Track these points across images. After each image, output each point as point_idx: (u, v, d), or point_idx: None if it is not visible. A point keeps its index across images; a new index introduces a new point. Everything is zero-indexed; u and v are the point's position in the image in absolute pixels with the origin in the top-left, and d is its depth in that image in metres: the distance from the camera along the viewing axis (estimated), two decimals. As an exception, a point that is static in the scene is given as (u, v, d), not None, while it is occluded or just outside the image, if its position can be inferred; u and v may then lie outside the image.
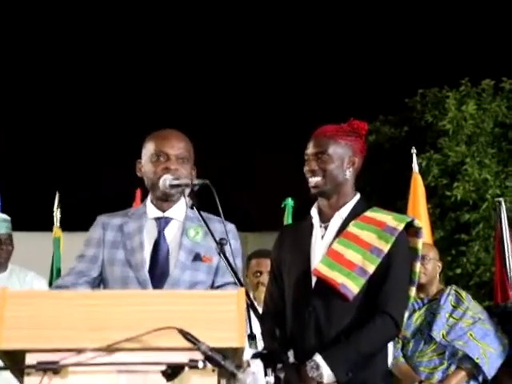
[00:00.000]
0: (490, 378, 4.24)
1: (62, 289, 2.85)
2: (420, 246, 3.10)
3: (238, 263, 2.82)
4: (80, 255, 3.00)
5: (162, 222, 2.98)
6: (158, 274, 2.87)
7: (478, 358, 4.16)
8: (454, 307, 4.35)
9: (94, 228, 3.02)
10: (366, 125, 3.12)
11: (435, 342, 4.27)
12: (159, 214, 2.99)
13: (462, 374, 4.22)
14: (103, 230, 2.98)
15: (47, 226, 6.71)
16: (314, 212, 3.13)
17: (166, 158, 2.93)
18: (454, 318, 4.30)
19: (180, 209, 3.02)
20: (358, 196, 3.13)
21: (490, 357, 4.20)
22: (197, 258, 2.90)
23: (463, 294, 4.45)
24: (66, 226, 6.28)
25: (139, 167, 3.05)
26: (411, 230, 3.08)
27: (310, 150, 3.06)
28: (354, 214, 3.06)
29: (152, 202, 3.03)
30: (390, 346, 3.61)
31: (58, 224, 6.30)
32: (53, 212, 6.33)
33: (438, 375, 4.24)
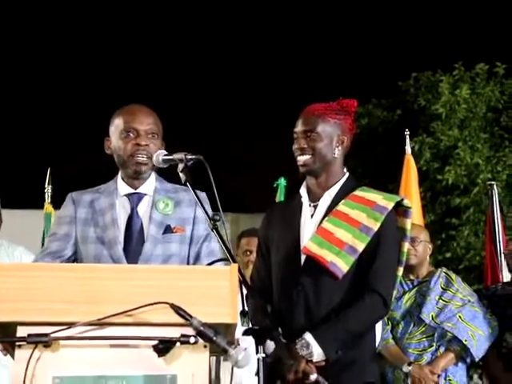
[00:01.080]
0: (477, 359, 4.26)
1: None
2: (408, 226, 3.11)
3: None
4: (52, 233, 2.95)
5: (135, 199, 2.94)
6: (133, 251, 2.83)
7: (466, 340, 4.18)
8: (444, 289, 4.36)
9: (66, 205, 2.97)
10: (356, 102, 3.11)
11: (425, 324, 4.29)
12: (131, 190, 2.95)
13: (451, 355, 4.24)
14: (74, 207, 2.93)
15: (38, 204, 6.68)
16: (303, 191, 3.13)
17: (135, 134, 2.89)
18: (443, 301, 4.31)
19: (150, 184, 2.98)
20: (346, 175, 3.13)
21: (478, 339, 4.22)
22: (167, 230, 2.88)
23: (453, 276, 4.46)
24: (58, 203, 6.25)
25: (107, 145, 2.99)
26: (400, 209, 3.09)
27: (299, 128, 3.05)
28: (344, 193, 3.06)
29: (123, 179, 2.98)
30: (378, 326, 3.63)
31: (50, 200, 6.28)
32: (44, 189, 6.31)
33: (426, 357, 4.26)
